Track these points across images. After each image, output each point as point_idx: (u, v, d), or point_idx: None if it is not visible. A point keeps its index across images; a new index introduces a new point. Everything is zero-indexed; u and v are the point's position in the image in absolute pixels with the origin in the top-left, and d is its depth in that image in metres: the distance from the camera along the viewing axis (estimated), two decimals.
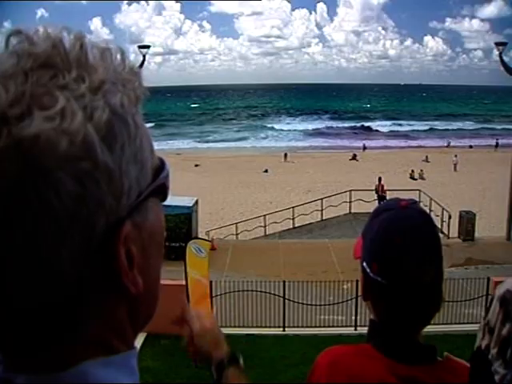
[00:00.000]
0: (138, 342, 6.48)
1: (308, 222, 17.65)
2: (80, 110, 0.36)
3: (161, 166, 0.46)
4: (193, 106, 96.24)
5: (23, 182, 0.34)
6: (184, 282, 6.68)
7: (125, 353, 0.44)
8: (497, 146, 41.38)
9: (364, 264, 1.05)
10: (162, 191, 0.46)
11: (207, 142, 53.71)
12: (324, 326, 9.02)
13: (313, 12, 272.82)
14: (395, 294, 1.00)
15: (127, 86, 0.41)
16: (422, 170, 29.74)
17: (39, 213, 0.35)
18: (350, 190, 18.16)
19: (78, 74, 0.38)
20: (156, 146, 0.47)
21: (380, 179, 19.60)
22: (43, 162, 0.35)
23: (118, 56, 0.42)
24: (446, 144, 45.71)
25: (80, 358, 0.41)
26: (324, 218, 17.61)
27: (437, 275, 1.01)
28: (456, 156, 32.06)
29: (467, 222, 15.07)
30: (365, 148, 44.42)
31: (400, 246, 0.99)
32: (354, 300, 8.67)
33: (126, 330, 0.44)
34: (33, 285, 0.37)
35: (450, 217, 15.59)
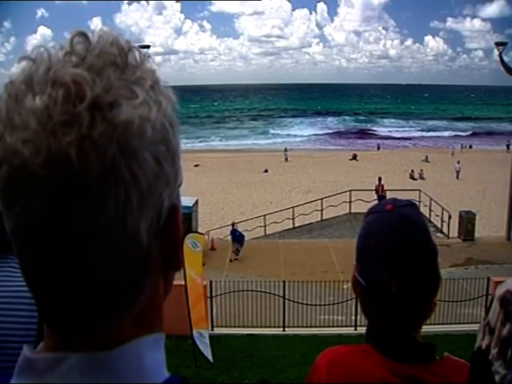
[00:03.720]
0: None
1: (308, 222, 17.65)
2: (153, 102, 0.42)
3: None
4: (193, 106, 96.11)
5: (119, 162, 0.39)
6: (183, 282, 6.68)
7: (161, 332, 0.47)
8: (508, 147, 40.29)
9: (354, 262, 1.07)
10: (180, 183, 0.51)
11: (207, 141, 53.72)
12: (324, 326, 9.03)
13: (313, 12, 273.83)
14: (372, 295, 1.02)
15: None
16: (421, 170, 29.74)
17: (131, 188, 0.40)
18: (350, 190, 18.16)
19: (140, 73, 0.43)
20: None
21: (380, 179, 19.56)
22: (135, 144, 0.40)
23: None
24: (445, 144, 45.67)
25: (127, 336, 0.43)
26: (324, 218, 17.62)
27: (411, 284, 0.98)
28: (459, 162, 29.56)
29: (467, 221, 15.07)
30: (379, 147, 44.57)
31: (373, 251, 1.00)
32: (353, 300, 8.66)
33: (161, 308, 0.48)
34: (116, 258, 0.41)
35: (449, 217, 15.59)
